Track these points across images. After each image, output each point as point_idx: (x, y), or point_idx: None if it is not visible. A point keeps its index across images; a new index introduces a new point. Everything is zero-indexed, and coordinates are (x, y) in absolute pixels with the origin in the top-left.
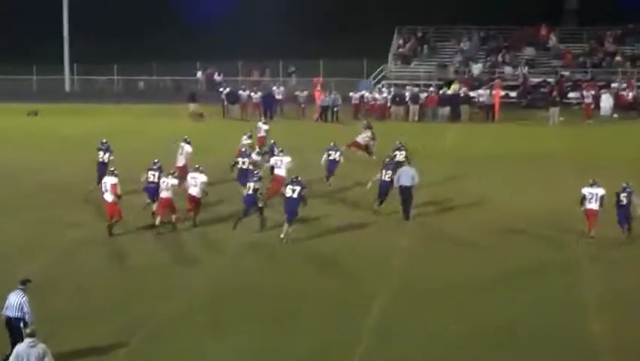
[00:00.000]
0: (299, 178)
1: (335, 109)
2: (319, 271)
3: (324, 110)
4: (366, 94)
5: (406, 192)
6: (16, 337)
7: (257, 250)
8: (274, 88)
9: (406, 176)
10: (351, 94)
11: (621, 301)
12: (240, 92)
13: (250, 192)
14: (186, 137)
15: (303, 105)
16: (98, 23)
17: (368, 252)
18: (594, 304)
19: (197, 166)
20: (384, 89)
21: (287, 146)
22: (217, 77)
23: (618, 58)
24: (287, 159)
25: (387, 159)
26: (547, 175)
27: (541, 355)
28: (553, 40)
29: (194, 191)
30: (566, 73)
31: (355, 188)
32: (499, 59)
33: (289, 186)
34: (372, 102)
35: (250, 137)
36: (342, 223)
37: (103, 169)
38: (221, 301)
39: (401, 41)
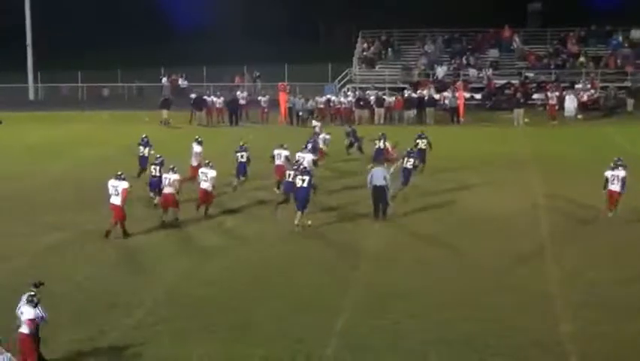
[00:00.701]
0: (307, 168)
1: (300, 113)
2: (290, 270)
3: (310, 113)
4: (333, 98)
5: (380, 192)
6: None
7: (224, 252)
8: (238, 93)
9: (378, 176)
10: (317, 98)
11: (592, 301)
12: (206, 97)
13: (290, 179)
14: (197, 137)
15: (266, 110)
16: (61, 31)
17: (338, 252)
18: (564, 305)
19: (207, 162)
20: (349, 93)
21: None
22: (182, 83)
23: (582, 59)
24: (310, 156)
25: (410, 148)
26: (514, 176)
27: (508, 357)
28: (517, 41)
29: (205, 185)
30: (530, 74)
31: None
32: (464, 61)
33: (298, 177)
34: (339, 106)
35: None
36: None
37: (144, 163)
38: (186, 309)
39: (365, 45)
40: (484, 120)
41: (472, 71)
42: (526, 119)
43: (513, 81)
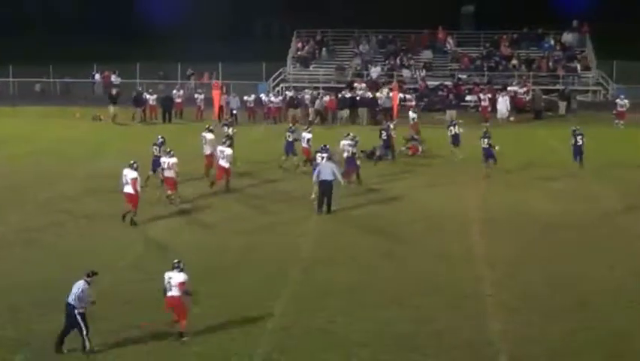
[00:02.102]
0: (327, 146)
1: (235, 111)
2: (229, 266)
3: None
4: (264, 97)
5: (326, 186)
6: (67, 322)
7: (162, 251)
8: (174, 91)
9: (326, 171)
10: (245, 97)
11: (524, 302)
12: (145, 95)
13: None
14: (208, 125)
15: (201, 108)
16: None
17: (275, 248)
18: (496, 305)
19: (224, 140)
20: (280, 95)
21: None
22: (114, 80)
23: (514, 61)
24: (347, 142)
25: (484, 130)
26: (446, 177)
27: (439, 357)
28: (450, 43)
29: (223, 162)
30: (463, 76)
31: None
32: (398, 62)
33: (318, 154)
34: (269, 105)
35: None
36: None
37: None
38: (121, 306)
39: (300, 44)
40: None
41: (406, 72)
42: (459, 120)
43: (446, 82)
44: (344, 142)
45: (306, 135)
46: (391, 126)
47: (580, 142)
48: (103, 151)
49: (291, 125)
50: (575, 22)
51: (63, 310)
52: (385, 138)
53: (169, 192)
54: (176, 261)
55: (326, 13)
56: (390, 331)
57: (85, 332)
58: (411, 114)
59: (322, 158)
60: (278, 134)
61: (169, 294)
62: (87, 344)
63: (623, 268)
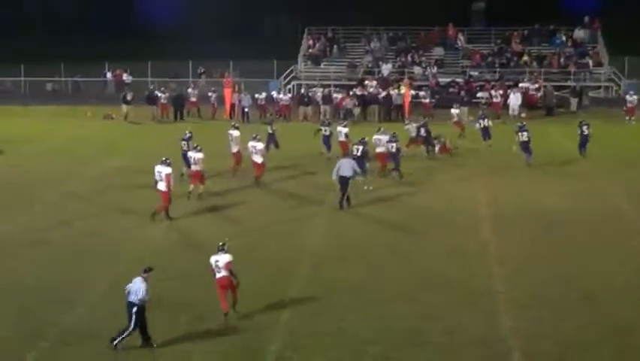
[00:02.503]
0: (365, 140)
1: (246, 110)
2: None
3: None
4: (275, 95)
5: (344, 182)
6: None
7: (183, 245)
8: (189, 90)
9: (345, 167)
10: (256, 95)
11: (534, 298)
12: (157, 93)
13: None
14: (234, 123)
15: (215, 106)
16: (2, 23)
17: (284, 246)
18: (507, 302)
19: (254, 135)
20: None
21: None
22: (126, 78)
23: (525, 58)
24: (385, 138)
25: (519, 124)
26: (457, 173)
27: (450, 354)
28: (461, 40)
29: (256, 158)
30: (475, 73)
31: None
32: (409, 59)
33: (355, 146)
34: (279, 102)
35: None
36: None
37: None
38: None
39: (311, 42)
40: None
41: (417, 69)
42: (470, 118)
43: (458, 79)
44: (377, 136)
45: (343, 130)
46: (413, 123)
47: (586, 132)
48: (113, 150)
49: (323, 119)
50: (586, 19)
51: (72, 310)
52: (425, 134)
53: (201, 187)
54: (221, 243)
55: (336, 11)
56: (401, 328)
57: (129, 331)
58: (453, 111)
59: (357, 150)
60: (290, 132)
61: (218, 276)
62: (119, 340)
63: (632, 265)
